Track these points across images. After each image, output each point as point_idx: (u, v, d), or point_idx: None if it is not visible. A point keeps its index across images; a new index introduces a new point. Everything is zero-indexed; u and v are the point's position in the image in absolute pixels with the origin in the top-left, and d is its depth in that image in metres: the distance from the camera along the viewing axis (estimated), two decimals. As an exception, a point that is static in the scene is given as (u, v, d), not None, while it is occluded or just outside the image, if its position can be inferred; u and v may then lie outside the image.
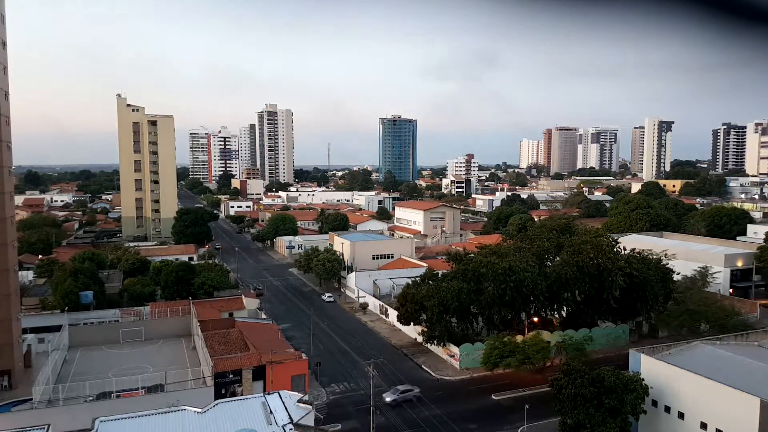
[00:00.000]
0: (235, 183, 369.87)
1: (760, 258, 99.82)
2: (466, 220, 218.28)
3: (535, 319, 74.80)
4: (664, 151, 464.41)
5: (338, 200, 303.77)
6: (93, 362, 62.27)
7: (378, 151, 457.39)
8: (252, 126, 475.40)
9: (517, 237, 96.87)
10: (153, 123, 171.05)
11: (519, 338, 66.04)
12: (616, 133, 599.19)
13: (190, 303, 74.53)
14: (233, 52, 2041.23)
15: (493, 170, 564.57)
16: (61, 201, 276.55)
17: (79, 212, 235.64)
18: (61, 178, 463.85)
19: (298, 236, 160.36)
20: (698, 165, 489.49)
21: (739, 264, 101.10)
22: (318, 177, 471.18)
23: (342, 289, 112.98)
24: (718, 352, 51.68)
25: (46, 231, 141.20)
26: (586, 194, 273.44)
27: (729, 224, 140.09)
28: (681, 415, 46.17)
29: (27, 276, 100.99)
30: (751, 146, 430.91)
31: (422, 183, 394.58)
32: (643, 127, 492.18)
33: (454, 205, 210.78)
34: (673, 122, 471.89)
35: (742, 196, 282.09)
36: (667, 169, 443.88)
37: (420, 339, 75.95)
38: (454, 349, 70.30)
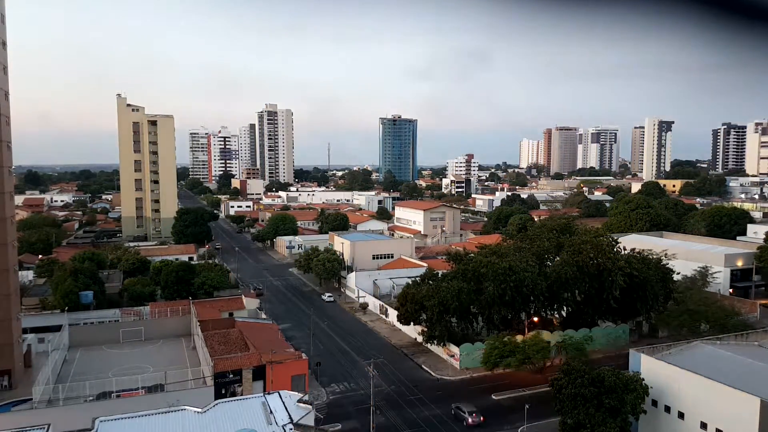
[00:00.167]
0: (235, 183, 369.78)
1: (760, 258, 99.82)
2: (466, 220, 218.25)
3: (535, 319, 74.80)
4: (664, 151, 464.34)
5: (338, 200, 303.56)
6: (93, 362, 62.22)
7: (378, 151, 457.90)
8: (252, 126, 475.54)
9: (517, 237, 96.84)
10: (153, 123, 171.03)
11: (519, 338, 66.05)
12: (616, 133, 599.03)
13: (190, 303, 74.50)
14: (233, 52, 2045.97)
15: (493, 170, 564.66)
16: (61, 201, 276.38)
17: (79, 212, 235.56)
18: (61, 178, 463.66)
19: (298, 236, 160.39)
20: (698, 165, 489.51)
21: (739, 264, 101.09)
22: (318, 177, 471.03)
23: (342, 289, 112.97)
24: (718, 352, 51.70)
25: (46, 231, 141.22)
26: (586, 194, 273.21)
27: (729, 224, 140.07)
28: (681, 415, 46.18)
29: (27, 276, 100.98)
30: (751, 146, 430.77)
31: (422, 183, 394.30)
32: (643, 127, 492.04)
33: (454, 205, 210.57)
34: (673, 122, 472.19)
35: (742, 196, 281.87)
36: (667, 169, 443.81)
37: (420, 339, 75.96)
38: (454, 349, 70.31)
